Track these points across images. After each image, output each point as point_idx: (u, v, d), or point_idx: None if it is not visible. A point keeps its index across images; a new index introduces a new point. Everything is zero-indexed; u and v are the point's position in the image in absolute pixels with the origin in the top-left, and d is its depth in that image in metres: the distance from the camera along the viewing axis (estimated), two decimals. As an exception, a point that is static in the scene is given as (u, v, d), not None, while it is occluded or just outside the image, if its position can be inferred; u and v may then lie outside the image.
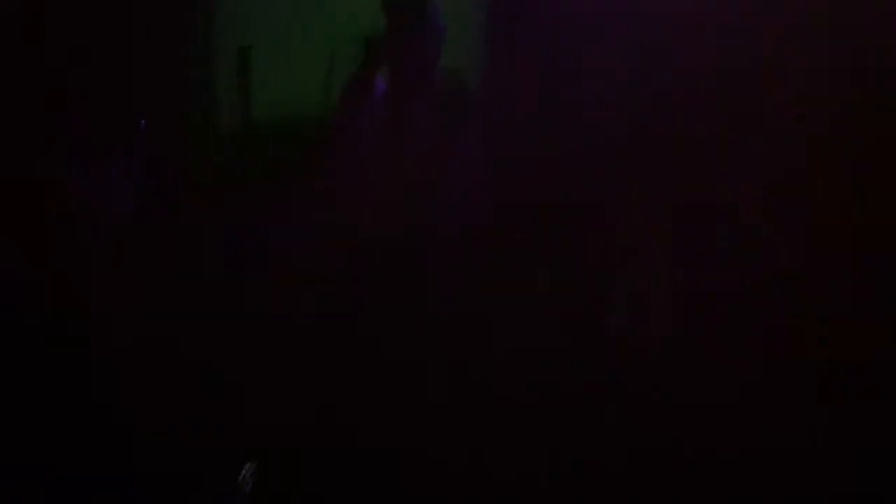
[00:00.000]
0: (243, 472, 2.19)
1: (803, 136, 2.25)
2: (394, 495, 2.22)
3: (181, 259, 2.37)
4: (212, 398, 2.26)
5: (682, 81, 2.30)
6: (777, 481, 2.14)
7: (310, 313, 2.35)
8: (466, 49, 2.49)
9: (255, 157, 2.50)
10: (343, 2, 2.50)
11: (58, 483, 2.18)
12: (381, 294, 2.36)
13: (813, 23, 2.25)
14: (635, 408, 2.24)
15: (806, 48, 2.25)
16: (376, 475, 2.22)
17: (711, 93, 2.30)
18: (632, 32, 2.32)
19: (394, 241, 2.40)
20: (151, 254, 2.37)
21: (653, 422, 2.22)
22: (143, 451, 2.22)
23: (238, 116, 2.51)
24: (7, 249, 2.30)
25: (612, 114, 2.32)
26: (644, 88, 2.32)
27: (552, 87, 2.37)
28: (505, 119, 2.44)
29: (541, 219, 2.34)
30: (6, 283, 2.28)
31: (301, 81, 2.49)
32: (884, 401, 2.15)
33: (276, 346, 2.32)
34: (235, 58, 2.48)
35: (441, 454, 2.23)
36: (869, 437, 2.14)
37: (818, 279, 2.22)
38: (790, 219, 2.26)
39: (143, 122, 2.26)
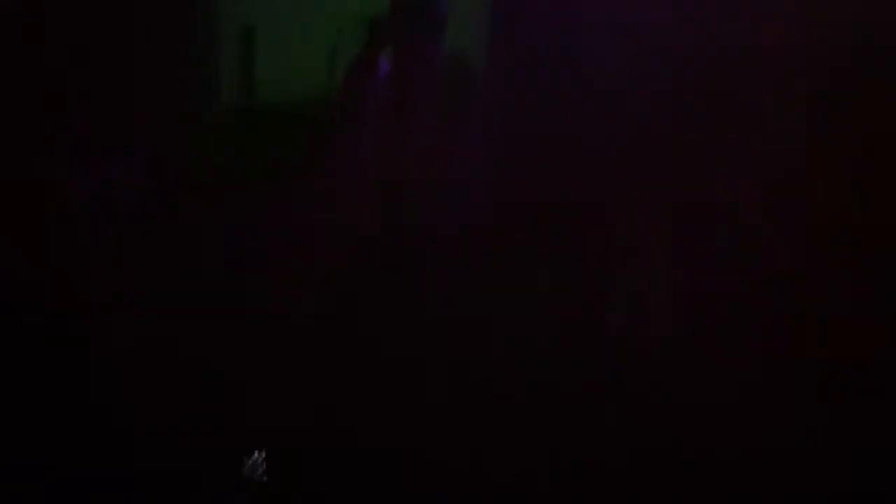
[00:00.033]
0: (252, 461, 2.18)
1: (804, 135, 2.25)
2: (394, 495, 2.22)
3: (182, 255, 2.37)
4: (212, 398, 2.26)
5: (683, 80, 2.30)
6: (777, 481, 2.14)
7: (310, 311, 2.36)
8: (470, 31, 2.48)
9: (258, 142, 2.50)
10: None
11: (58, 483, 2.18)
12: (382, 289, 2.36)
13: (813, 21, 2.25)
14: (635, 408, 2.24)
15: (806, 47, 2.25)
16: (376, 475, 2.22)
17: (713, 92, 2.30)
18: (635, 28, 2.32)
19: (396, 231, 2.40)
20: (152, 252, 2.37)
21: (653, 422, 2.22)
22: (143, 451, 2.22)
23: (240, 100, 2.51)
24: (7, 249, 2.30)
25: (614, 108, 2.32)
26: (646, 85, 2.32)
27: (556, 72, 2.36)
28: (509, 104, 2.43)
29: (542, 210, 2.34)
30: (6, 282, 2.28)
31: (304, 64, 2.49)
32: (884, 401, 2.15)
33: (277, 346, 2.32)
34: (237, 40, 2.48)
35: (441, 454, 2.23)
36: (869, 437, 2.14)
37: (819, 279, 2.22)
38: (790, 218, 2.26)
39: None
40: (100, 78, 2.38)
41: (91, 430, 2.23)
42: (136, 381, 2.27)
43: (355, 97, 2.48)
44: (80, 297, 2.31)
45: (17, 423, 2.22)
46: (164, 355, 2.29)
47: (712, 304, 2.26)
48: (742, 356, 2.22)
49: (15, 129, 2.33)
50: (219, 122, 2.50)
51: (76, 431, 2.23)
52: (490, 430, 2.25)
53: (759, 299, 2.25)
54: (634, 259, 2.32)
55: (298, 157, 2.45)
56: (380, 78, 2.47)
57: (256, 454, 2.19)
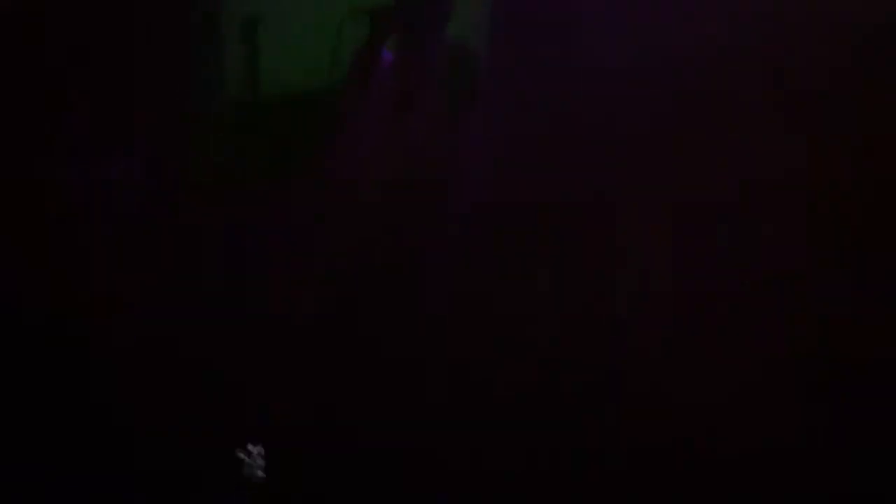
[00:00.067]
0: (249, 457, 2.18)
1: (804, 135, 2.25)
2: (394, 495, 2.22)
3: (182, 255, 2.37)
4: (212, 398, 2.26)
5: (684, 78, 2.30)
6: (778, 481, 2.14)
7: (311, 311, 2.36)
8: (474, 22, 2.48)
9: (259, 140, 2.50)
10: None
11: (58, 483, 2.18)
12: (383, 288, 2.36)
13: (815, 21, 2.25)
14: (636, 408, 2.24)
15: (807, 46, 2.25)
16: (376, 475, 2.22)
17: (714, 91, 2.30)
18: (638, 25, 2.32)
19: (398, 229, 2.40)
20: (152, 251, 2.37)
21: (653, 422, 2.22)
22: (143, 451, 2.22)
23: (241, 97, 2.50)
24: (7, 249, 2.30)
25: (617, 105, 2.32)
26: (649, 83, 2.32)
27: (560, 63, 2.36)
28: (513, 96, 2.43)
29: (542, 209, 2.34)
30: (5, 282, 2.28)
31: (306, 58, 2.49)
32: (884, 401, 2.15)
33: (277, 346, 2.32)
34: (239, 36, 2.48)
35: (441, 454, 2.23)
36: (870, 437, 2.14)
37: (819, 278, 2.22)
38: (791, 218, 2.26)
39: None
40: (99, 77, 2.38)
41: (91, 430, 2.23)
42: (136, 381, 2.27)
43: (359, 91, 2.48)
44: (80, 296, 2.31)
45: (16, 423, 2.21)
46: (163, 355, 2.29)
47: (712, 305, 2.26)
48: (743, 356, 2.22)
49: (14, 129, 2.34)
50: (219, 120, 2.50)
51: (76, 431, 2.23)
52: (490, 429, 2.25)
53: (759, 299, 2.25)
54: (635, 259, 2.32)
55: (300, 155, 2.45)
56: (383, 69, 2.46)
57: (252, 449, 2.18)
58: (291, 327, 2.33)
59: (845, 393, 2.16)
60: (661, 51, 2.29)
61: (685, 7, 2.28)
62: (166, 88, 2.42)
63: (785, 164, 2.26)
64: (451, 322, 2.32)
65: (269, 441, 2.24)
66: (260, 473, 2.19)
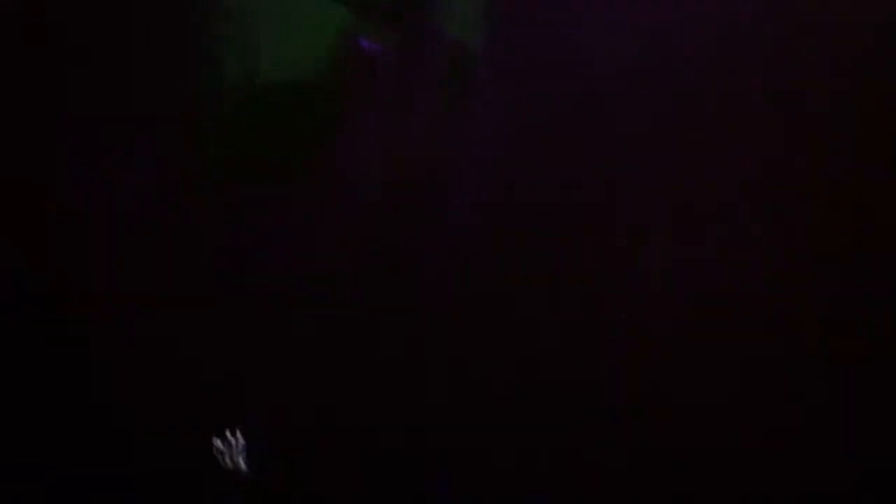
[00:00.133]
0: (229, 444, 2.18)
1: (805, 135, 2.25)
2: (394, 495, 2.22)
3: (181, 255, 2.37)
4: (212, 398, 2.26)
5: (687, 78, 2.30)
6: (778, 481, 2.14)
7: (311, 311, 2.35)
8: (472, 16, 2.47)
9: (258, 138, 2.50)
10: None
11: (58, 483, 2.18)
12: (384, 288, 2.36)
13: (816, 21, 2.24)
14: (636, 408, 2.23)
15: (807, 46, 2.25)
16: (376, 475, 2.22)
17: (714, 91, 2.30)
18: (639, 23, 2.32)
19: (398, 228, 2.40)
20: (152, 251, 2.37)
21: (654, 422, 2.22)
22: (143, 451, 2.22)
23: (238, 95, 2.50)
24: (7, 249, 2.30)
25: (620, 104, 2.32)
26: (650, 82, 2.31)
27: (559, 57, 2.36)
28: (511, 91, 2.43)
29: (543, 208, 2.34)
30: (6, 282, 2.28)
31: (304, 55, 2.48)
32: (884, 401, 2.15)
33: (278, 346, 2.32)
34: (237, 33, 2.47)
35: (441, 454, 2.23)
36: (870, 437, 2.14)
37: (821, 278, 2.22)
38: (792, 218, 2.26)
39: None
40: (99, 76, 2.38)
41: (91, 431, 2.23)
42: (137, 381, 2.27)
43: (353, 84, 2.47)
44: (80, 296, 2.31)
45: (17, 423, 2.21)
46: (164, 355, 2.29)
47: (712, 305, 2.25)
48: (744, 356, 2.22)
49: (13, 129, 2.33)
50: (219, 119, 2.50)
51: (76, 431, 2.22)
52: (490, 429, 2.25)
53: (760, 299, 2.25)
54: (636, 258, 2.32)
55: (299, 153, 2.45)
56: (378, 59, 2.46)
57: (231, 439, 2.18)
58: (291, 327, 2.33)
59: (845, 393, 2.16)
60: (661, 51, 2.29)
61: (685, 7, 2.28)
62: (165, 86, 2.42)
63: (785, 164, 2.26)
64: (450, 322, 2.32)
65: (269, 441, 2.24)
66: (242, 465, 2.19)
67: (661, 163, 2.31)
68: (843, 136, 2.23)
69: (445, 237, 2.40)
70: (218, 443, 2.21)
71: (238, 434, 2.21)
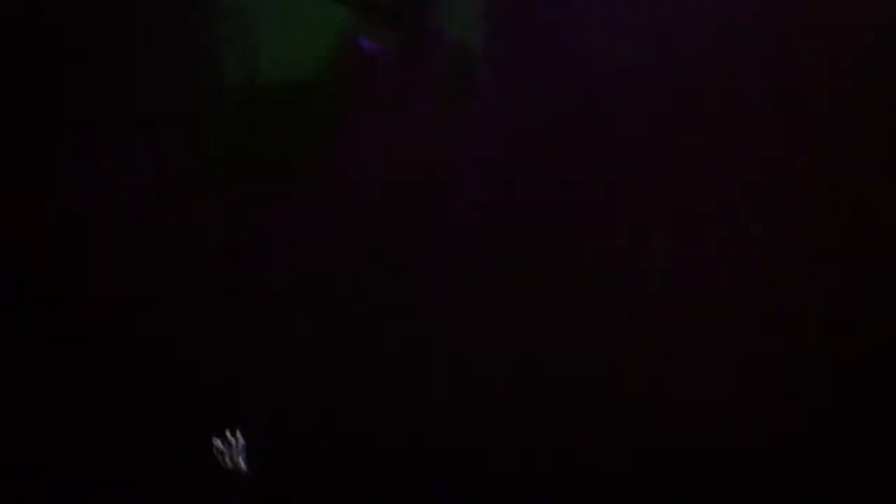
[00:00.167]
0: (229, 444, 2.18)
1: (805, 135, 2.25)
2: (394, 495, 2.22)
3: (181, 255, 2.37)
4: (212, 398, 2.26)
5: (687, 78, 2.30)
6: (778, 481, 2.14)
7: (311, 311, 2.35)
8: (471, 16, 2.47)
9: (257, 137, 2.49)
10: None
11: (58, 483, 2.18)
12: (384, 287, 2.36)
13: (816, 21, 2.25)
14: (636, 408, 2.24)
15: (807, 46, 2.25)
16: (376, 475, 2.22)
17: (714, 90, 2.30)
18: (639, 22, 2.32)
19: (399, 228, 2.40)
20: (152, 251, 2.37)
21: (654, 422, 2.22)
22: (143, 451, 2.22)
23: (238, 94, 2.50)
24: (7, 249, 2.30)
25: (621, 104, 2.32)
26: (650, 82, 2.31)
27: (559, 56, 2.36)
28: (511, 89, 2.43)
29: (544, 208, 2.34)
30: (6, 282, 2.28)
31: (303, 54, 2.48)
32: (884, 401, 2.15)
33: (278, 346, 2.32)
34: (236, 32, 2.47)
35: (441, 454, 2.23)
36: (871, 437, 2.14)
37: (821, 278, 2.22)
38: (792, 218, 2.26)
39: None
40: (99, 76, 2.38)
41: (91, 430, 2.23)
42: (137, 381, 2.27)
43: (353, 84, 2.47)
44: (80, 296, 2.31)
45: (17, 423, 2.21)
46: (164, 355, 2.29)
47: (712, 305, 2.25)
48: (744, 356, 2.22)
49: (13, 129, 2.33)
50: (219, 119, 2.50)
51: (76, 431, 2.22)
52: (490, 429, 2.25)
53: (759, 299, 2.25)
54: (636, 258, 2.32)
55: (299, 153, 2.45)
56: (371, 59, 2.45)
57: (231, 439, 2.18)
58: (291, 327, 2.33)
59: (845, 393, 2.16)
60: (661, 51, 2.29)
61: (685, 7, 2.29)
62: (165, 86, 2.42)
63: (785, 164, 2.26)
64: (450, 322, 2.32)
65: (269, 441, 2.24)
66: (242, 465, 2.19)
67: (661, 163, 2.31)
68: (843, 136, 2.23)
69: (445, 237, 2.40)
70: (218, 443, 2.21)
71: (238, 434, 2.21)
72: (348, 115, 2.48)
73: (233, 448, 2.20)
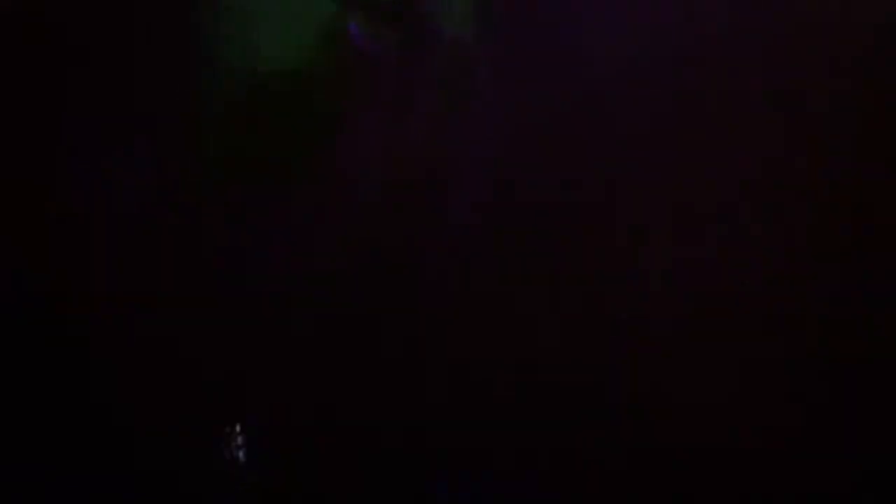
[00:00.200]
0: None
1: (805, 135, 2.25)
2: (394, 495, 2.22)
3: (181, 254, 2.37)
4: (212, 398, 2.26)
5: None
6: (778, 481, 2.14)
7: (311, 311, 2.35)
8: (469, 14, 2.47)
9: (256, 136, 2.49)
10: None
11: (58, 483, 2.18)
12: (385, 287, 2.36)
13: (816, 21, 2.25)
14: (636, 408, 2.23)
15: (807, 46, 2.25)
16: (376, 475, 2.22)
17: (713, 90, 2.30)
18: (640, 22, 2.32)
19: (399, 228, 2.40)
20: (152, 251, 2.37)
21: (654, 422, 2.22)
22: (143, 451, 2.22)
23: (237, 93, 2.50)
24: (7, 249, 2.30)
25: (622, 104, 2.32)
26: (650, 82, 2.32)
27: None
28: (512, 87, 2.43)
29: (544, 208, 2.34)
30: (6, 282, 2.28)
31: (298, 45, 2.48)
32: (884, 401, 2.15)
33: (278, 346, 2.32)
34: (235, 30, 2.47)
35: (441, 454, 2.23)
36: (871, 437, 2.14)
37: (821, 278, 2.22)
38: (792, 218, 2.26)
39: None
40: (99, 76, 2.38)
41: (91, 430, 2.23)
42: (137, 381, 2.27)
43: (353, 83, 2.47)
44: (80, 296, 2.31)
45: (17, 423, 2.21)
46: (164, 355, 2.29)
47: (712, 305, 2.25)
48: (744, 356, 2.22)
49: (13, 129, 2.33)
50: (219, 119, 2.50)
51: (76, 431, 2.22)
52: (490, 429, 2.25)
53: (759, 299, 2.25)
54: (636, 258, 2.32)
55: (299, 153, 2.45)
56: (363, 48, 2.44)
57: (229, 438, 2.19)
58: (291, 327, 2.33)
59: (845, 393, 2.16)
60: (661, 51, 2.29)
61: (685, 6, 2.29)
62: (165, 86, 2.42)
63: (785, 164, 2.26)
64: (450, 322, 2.32)
65: (269, 441, 2.24)
66: (242, 464, 2.19)
67: (661, 163, 2.31)
68: (843, 136, 2.23)
69: (445, 237, 2.40)
70: (218, 442, 2.21)
71: (238, 434, 2.21)
72: (348, 115, 2.48)
73: (233, 448, 2.20)
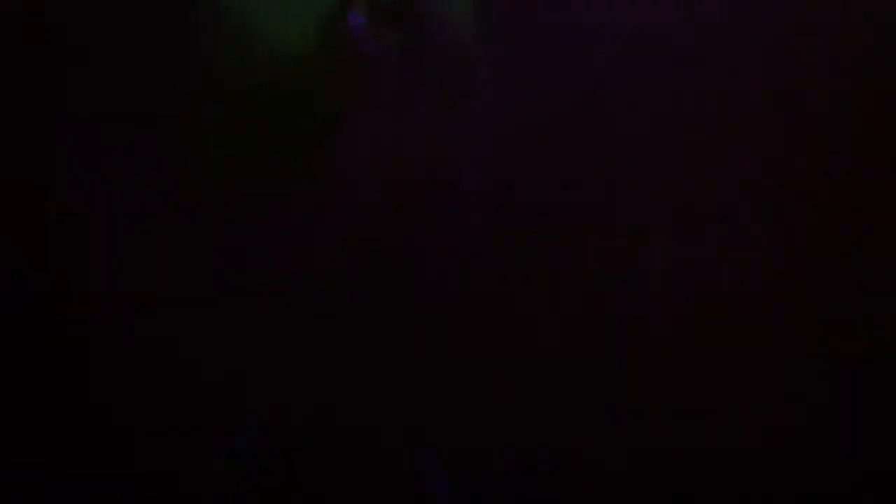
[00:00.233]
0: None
1: (805, 135, 2.25)
2: (394, 495, 2.22)
3: (181, 254, 2.37)
4: (212, 398, 2.26)
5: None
6: (778, 481, 2.14)
7: (311, 311, 2.36)
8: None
9: (256, 136, 2.49)
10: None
11: (58, 483, 2.18)
12: (385, 287, 2.36)
13: (816, 21, 2.24)
14: (636, 408, 2.24)
15: (807, 46, 2.25)
16: (376, 475, 2.22)
17: (713, 90, 2.30)
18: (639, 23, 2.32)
19: (399, 228, 2.40)
20: (152, 251, 2.37)
21: (654, 422, 2.22)
22: (143, 451, 2.22)
23: (236, 92, 2.50)
24: (7, 249, 2.30)
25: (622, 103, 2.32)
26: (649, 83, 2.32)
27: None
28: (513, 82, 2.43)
29: (545, 208, 2.34)
30: (6, 282, 2.28)
31: (298, 45, 2.48)
32: (884, 401, 2.15)
33: (278, 346, 2.32)
34: (235, 30, 2.47)
35: (441, 454, 2.23)
36: (871, 437, 2.14)
37: (821, 278, 2.22)
38: (792, 218, 2.26)
39: None
40: (99, 76, 2.38)
41: (91, 430, 2.23)
42: (137, 381, 2.27)
43: (353, 83, 2.47)
44: (80, 296, 2.31)
45: (17, 423, 2.21)
46: (164, 355, 2.29)
47: (712, 305, 2.25)
48: (744, 356, 2.22)
49: (13, 129, 2.34)
50: (219, 119, 2.50)
51: (76, 431, 2.22)
52: (490, 429, 2.25)
53: (759, 299, 2.25)
54: (636, 258, 2.32)
55: (299, 153, 2.45)
56: (360, 39, 2.44)
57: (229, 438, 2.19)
58: (291, 327, 2.33)
59: (845, 393, 2.16)
60: (661, 51, 2.29)
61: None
62: (165, 86, 2.42)
63: (785, 164, 2.26)
64: (450, 322, 2.32)
65: (269, 441, 2.24)
66: (242, 464, 2.19)
67: (661, 163, 2.31)
68: (843, 136, 2.24)
69: (445, 237, 2.40)
70: (218, 442, 2.21)
71: (238, 433, 2.21)
72: (348, 115, 2.48)
73: (233, 447, 2.20)
